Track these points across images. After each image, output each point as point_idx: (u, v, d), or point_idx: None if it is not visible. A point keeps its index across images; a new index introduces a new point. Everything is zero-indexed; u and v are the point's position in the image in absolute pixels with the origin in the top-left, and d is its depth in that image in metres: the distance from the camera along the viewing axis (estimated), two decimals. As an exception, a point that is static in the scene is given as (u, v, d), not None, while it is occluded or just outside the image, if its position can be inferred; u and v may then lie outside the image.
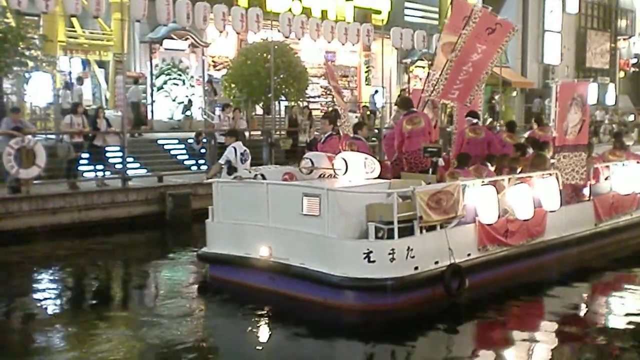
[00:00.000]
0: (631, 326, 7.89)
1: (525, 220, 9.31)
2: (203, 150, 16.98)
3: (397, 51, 26.97)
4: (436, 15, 29.64)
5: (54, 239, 12.22)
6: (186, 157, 17.56)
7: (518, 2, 35.26)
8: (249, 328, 7.85)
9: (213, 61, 24.00)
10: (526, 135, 12.84)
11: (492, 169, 9.92)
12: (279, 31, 20.30)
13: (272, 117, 18.98)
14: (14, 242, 11.90)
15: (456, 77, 9.80)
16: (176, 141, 18.25)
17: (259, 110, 20.85)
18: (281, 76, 19.76)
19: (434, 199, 8.22)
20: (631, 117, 36.47)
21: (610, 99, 39.63)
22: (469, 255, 8.62)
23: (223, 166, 9.69)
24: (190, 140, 17.60)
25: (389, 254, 7.82)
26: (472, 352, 7.30)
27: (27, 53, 15.27)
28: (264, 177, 8.95)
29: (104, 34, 19.58)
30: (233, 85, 20.49)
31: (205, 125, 19.90)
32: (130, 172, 15.00)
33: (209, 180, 9.58)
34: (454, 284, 8.17)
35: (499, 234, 9.00)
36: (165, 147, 18.03)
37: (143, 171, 16.00)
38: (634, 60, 45.73)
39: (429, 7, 29.28)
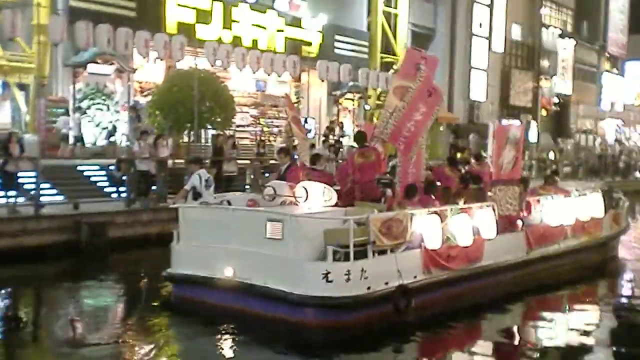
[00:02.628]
0: (557, 344, 9.81)
1: (465, 247, 11.04)
2: (124, 178, 17.38)
3: (326, 83, 28.98)
4: (366, 50, 31.99)
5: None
6: (107, 184, 18.05)
7: (446, 39, 38.37)
8: (215, 344, 9.10)
9: (140, 87, 24.88)
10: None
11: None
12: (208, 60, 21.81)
13: (197, 145, 20.17)
14: None
15: (403, 128, 11.20)
16: (97, 167, 18.75)
17: (186, 138, 22.07)
18: (207, 104, 21.20)
19: (385, 226, 9.84)
20: (551, 155, 40.21)
21: (532, 137, 43.23)
22: (415, 277, 10.19)
23: (189, 192, 11.01)
24: (111, 167, 18.11)
25: (345, 274, 9.31)
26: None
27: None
28: (229, 203, 10.38)
29: (24, 56, 20.34)
30: (157, 112, 21.70)
31: (127, 152, 20.81)
32: (45, 199, 15.33)
33: (174, 205, 10.89)
34: (402, 303, 9.74)
35: (441, 259, 10.65)
36: (86, 173, 18.46)
37: (59, 198, 16.31)
38: (555, 100, 50.28)
39: (359, 41, 31.55)
